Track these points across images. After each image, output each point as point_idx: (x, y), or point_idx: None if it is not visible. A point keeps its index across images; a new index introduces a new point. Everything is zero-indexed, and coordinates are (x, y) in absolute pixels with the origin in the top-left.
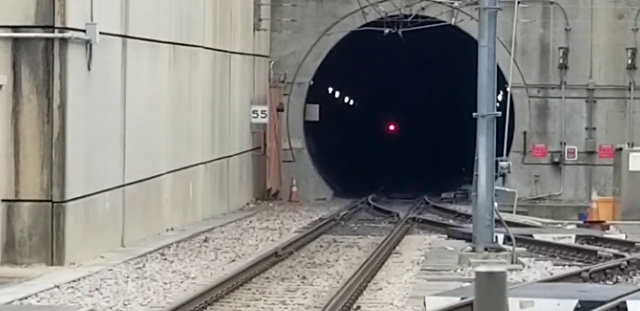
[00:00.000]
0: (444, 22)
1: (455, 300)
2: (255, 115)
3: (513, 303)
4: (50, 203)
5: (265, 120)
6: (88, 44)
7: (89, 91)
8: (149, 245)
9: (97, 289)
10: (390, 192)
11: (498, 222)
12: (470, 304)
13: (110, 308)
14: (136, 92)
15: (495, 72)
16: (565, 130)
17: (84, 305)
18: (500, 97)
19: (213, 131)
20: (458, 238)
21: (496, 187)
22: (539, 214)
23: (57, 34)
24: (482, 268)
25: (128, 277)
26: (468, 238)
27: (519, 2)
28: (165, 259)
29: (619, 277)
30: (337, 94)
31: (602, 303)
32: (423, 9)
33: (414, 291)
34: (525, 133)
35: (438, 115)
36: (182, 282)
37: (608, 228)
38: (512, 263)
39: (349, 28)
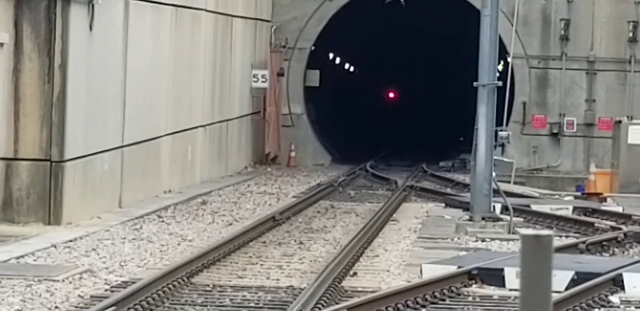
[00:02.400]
0: None
1: (451, 269)
2: (255, 79)
3: (509, 273)
4: (48, 163)
5: (266, 85)
6: (90, 4)
7: (90, 51)
8: (146, 206)
9: (93, 249)
10: (389, 160)
11: (496, 191)
12: (467, 272)
13: (107, 268)
14: (137, 54)
15: (497, 41)
16: (565, 102)
17: (81, 265)
18: (500, 67)
19: (213, 94)
20: (455, 207)
21: (495, 157)
22: (537, 185)
23: None
24: (528, 232)
25: (125, 238)
26: (466, 207)
27: None
28: (162, 221)
29: (616, 249)
30: (337, 60)
31: (599, 275)
32: None
33: (411, 259)
34: (524, 103)
35: (438, 83)
36: (179, 244)
37: (605, 201)
38: (509, 233)
39: None
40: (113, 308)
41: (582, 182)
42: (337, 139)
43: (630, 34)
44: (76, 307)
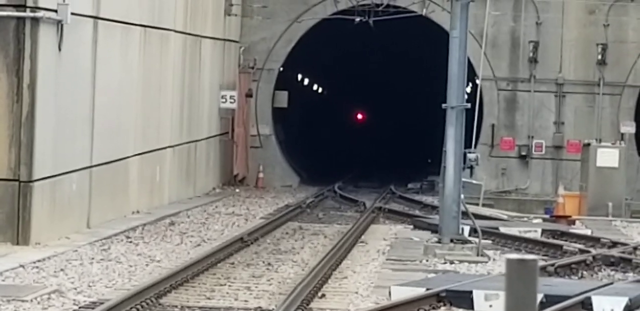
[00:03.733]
0: (415, 12)
1: (420, 291)
2: (224, 100)
3: (478, 295)
4: (17, 183)
5: (234, 106)
6: (59, 24)
7: (59, 71)
8: (114, 227)
9: (62, 270)
10: (357, 181)
11: (464, 213)
12: (436, 295)
13: (75, 289)
14: (106, 74)
15: (465, 63)
16: (534, 124)
17: (49, 285)
18: (469, 89)
19: (182, 115)
20: (424, 229)
21: (463, 179)
22: (505, 207)
23: (28, 13)
24: (513, 256)
25: (93, 259)
26: (434, 229)
27: None
28: (130, 242)
29: (584, 272)
30: (306, 81)
31: (567, 298)
32: None
33: (379, 281)
34: (493, 125)
35: (407, 105)
36: (147, 265)
37: (574, 224)
38: (477, 255)
39: (320, 15)
40: None
41: (550, 205)
42: (306, 160)
43: (599, 57)
44: None
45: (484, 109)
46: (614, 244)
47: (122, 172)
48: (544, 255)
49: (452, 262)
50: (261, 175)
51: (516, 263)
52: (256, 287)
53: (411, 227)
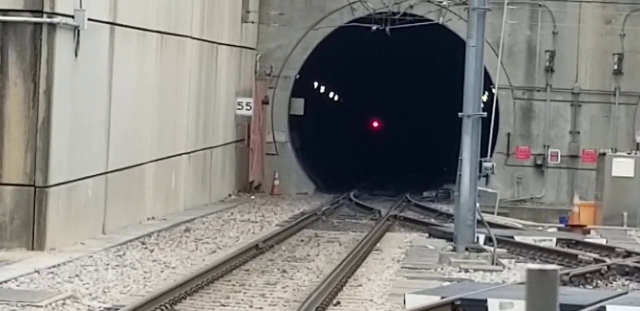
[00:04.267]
0: (432, 20)
1: (435, 299)
2: (240, 107)
3: (493, 304)
4: (32, 188)
5: (250, 113)
6: (76, 30)
7: (76, 77)
8: (130, 233)
9: (76, 275)
10: (373, 189)
11: (480, 222)
12: (450, 303)
13: (90, 294)
14: (122, 80)
15: (482, 72)
16: (549, 133)
17: (64, 291)
18: (485, 98)
19: (197, 121)
20: (439, 237)
21: (479, 188)
22: (520, 216)
23: (45, 19)
24: (534, 266)
25: (108, 265)
26: (449, 237)
27: (507, 4)
28: (145, 248)
29: (599, 282)
30: (322, 89)
31: (582, 307)
32: (411, 7)
33: (394, 289)
34: (509, 134)
35: (423, 113)
36: (162, 271)
37: (589, 233)
38: (492, 264)
39: (336, 23)
40: None
41: (565, 214)
42: (321, 168)
43: (615, 66)
44: None
45: (499, 118)
46: (629, 254)
47: (138, 178)
48: (558, 264)
49: (467, 270)
50: (277, 182)
51: (537, 273)
52: (271, 294)
53: (426, 235)
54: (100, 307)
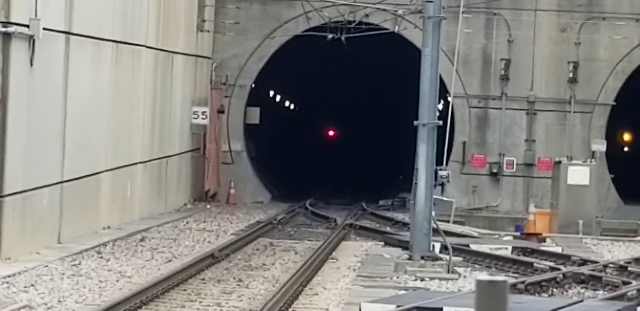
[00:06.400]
0: (388, 29)
1: (391, 308)
2: (196, 116)
3: None
4: None
5: (206, 122)
6: (31, 39)
7: (31, 87)
8: (85, 242)
9: (32, 285)
10: (329, 198)
11: (436, 231)
12: None
13: (46, 304)
14: (78, 89)
15: (437, 81)
16: (505, 142)
17: (19, 301)
18: (441, 107)
19: (153, 131)
20: (395, 246)
21: (435, 196)
22: (476, 225)
23: (0, 29)
24: (484, 277)
25: (64, 274)
26: (405, 246)
27: (463, 12)
28: (101, 257)
29: (555, 290)
30: (278, 98)
31: None
32: (367, 16)
33: (350, 298)
34: (464, 143)
35: (379, 122)
36: (117, 281)
37: (545, 241)
38: (448, 272)
39: (292, 32)
40: None
41: (521, 222)
42: (277, 177)
43: (571, 75)
44: None
45: (455, 127)
46: (585, 262)
47: (94, 187)
48: (514, 273)
49: (423, 279)
50: (233, 191)
51: (486, 284)
52: (227, 304)
53: (382, 243)
54: None
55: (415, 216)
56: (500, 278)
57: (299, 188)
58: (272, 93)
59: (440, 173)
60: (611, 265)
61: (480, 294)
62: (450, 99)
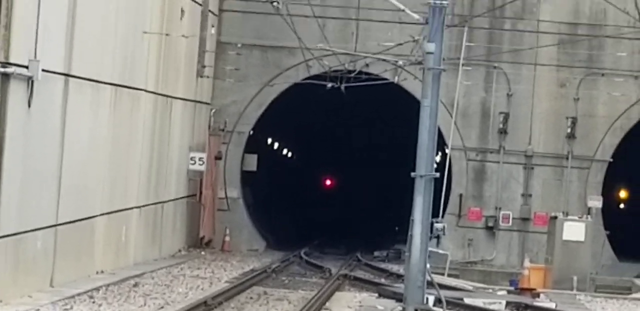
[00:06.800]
0: (387, 79)
1: None
2: (192, 161)
3: None
4: None
5: (203, 168)
6: (30, 80)
7: (28, 128)
8: (78, 286)
9: None
10: (324, 247)
11: (430, 283)
12: None
13: None
14: (76, 132)
15: (435, 132)
16: (502, 195)
17: None
18: (438, 158)
19: (150, 175)
20: (389, 298)
21: (429, 248)
22: (471, 278)
23: None
24: None
25: None
26: (399, 298)
27: (463, 65)
28: (93, 302)
29: None
30: (276, 145)
31: None
32: (367, 65)
33: None
34: (461, 195)
35: (376, 172)
36: None
37: (539, 296)
38: None
39: (292, 80)
40: None
41: (516, 277)
42: (273, 224)
43: (569, 130)
44: None
45: (452, 178)
46: None
47: (88, 231)
48: None
49: None
50: (227, 238)
51: None
52: None
53: (376, 295)
54: None
55: (410, 268)
56: None
57: (294, 236)
58: (269, 140)
59: (436, 225)
60: None
61: None
62: (447, 151)
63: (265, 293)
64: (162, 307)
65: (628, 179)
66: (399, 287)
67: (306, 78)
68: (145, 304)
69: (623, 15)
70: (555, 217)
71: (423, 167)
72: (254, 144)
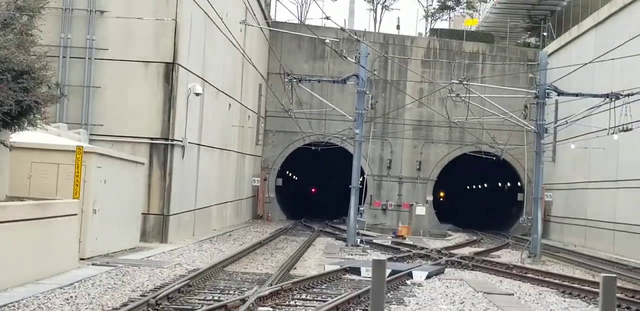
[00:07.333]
0: (338, 145)
1: (337, 267)
2: (254, 181)
3: (363, 270)
4: (162, 216)
5: (258, 184)
6: (182, 147)
7: (182, 169)
8: (204, 236)
9: (181, 254)
10: (312, 219)
11: (358, 233)
12: (344, 269)
13: (187, 263)
14: (203, 169)
15: (359, 168)
16: (388, 195)
17: (175, 261)
18: (361, 179)
19: (235, 188)
20: (340, 240)
21: (358, 218)
22: (375, 231)
23: (169, 142)
24: (376, 258)
25: (195, 250)
26: (344, 239)
27: (371, 138)
28: (211, 242)
29: (409, 260)
30: (290, 174)
31: (402, 271)
32: (330, 139)
33: (320, 262)
34: (371, 196)
35: (336, 186)
36: (218, 253)
37: (405, 239)
38: (363, 252)
39: (297, 145)
40: None
41: (395, 230)
42: (289, 209)
43: (417, 166)
44: None
45: (367, 188)
46: (422, 248)
47: (208, 212)
48: (392, 252)
49: (351, 255)
50: (270, 214)
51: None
52: (266, 262)
53: (334, 239)
54: (188, 269)
55: (349, 227)
56: (383, 257)
57: (298, 214)
58: (287, 172)
59: (360, 208)
60: (433, 250)
61: (374, 264)
62: (365, 176)
63: (286, 238)
64: (242, 244)
65: (443, 187)
66: (344, 235)
67: (303, 145)
68: (234, 243)
69: (439, 116)
70: (412, 205)
71: (354, 182)
72: (281, 174)
